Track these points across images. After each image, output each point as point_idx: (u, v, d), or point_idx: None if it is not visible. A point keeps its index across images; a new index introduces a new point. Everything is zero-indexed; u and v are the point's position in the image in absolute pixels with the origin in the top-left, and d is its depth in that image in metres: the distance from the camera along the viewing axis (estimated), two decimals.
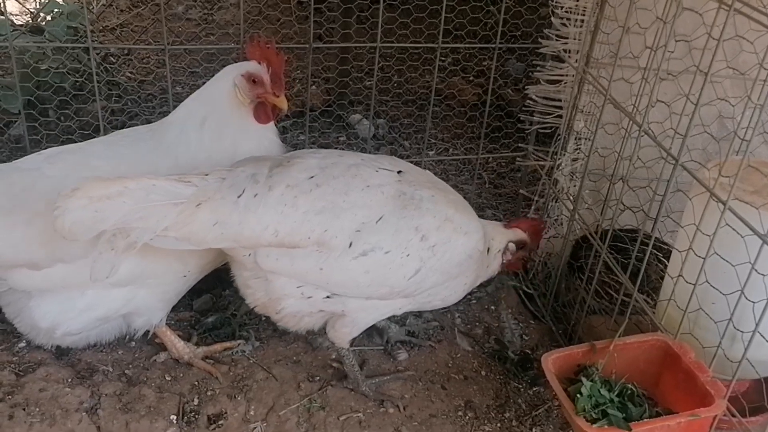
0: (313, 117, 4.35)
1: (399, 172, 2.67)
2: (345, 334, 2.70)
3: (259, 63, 2.73)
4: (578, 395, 2.44)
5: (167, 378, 2.86)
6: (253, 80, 2.73)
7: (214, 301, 3.28)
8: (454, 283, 2.75)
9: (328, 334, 2.74)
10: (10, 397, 2.65)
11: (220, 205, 2.40)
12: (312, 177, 2.52)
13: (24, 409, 2.62)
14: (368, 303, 2.63)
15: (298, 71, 4.63)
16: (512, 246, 2.94)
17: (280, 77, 2.75)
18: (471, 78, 4.74)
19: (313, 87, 4.70)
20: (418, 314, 3.27)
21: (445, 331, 3.27)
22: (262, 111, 2.81)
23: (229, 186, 2.44)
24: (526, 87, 3.42)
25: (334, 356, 3.05)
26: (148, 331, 2.89)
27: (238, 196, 2.43)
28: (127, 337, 2.95)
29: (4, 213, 2.45)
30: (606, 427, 2.35)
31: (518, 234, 2.97)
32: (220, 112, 2.75)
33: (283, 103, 2.76)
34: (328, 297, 2.57)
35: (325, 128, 4.43)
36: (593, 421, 2.39)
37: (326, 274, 2.49)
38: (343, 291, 2.56)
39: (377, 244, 2.51)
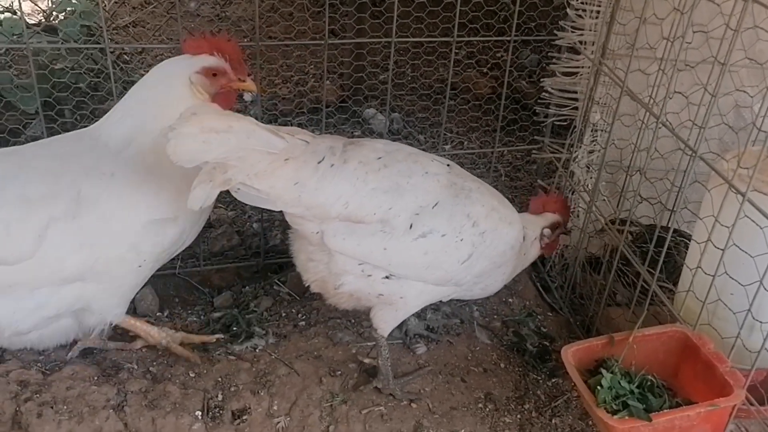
0: (328, 113, 4.38)
1: (448, 165, 2.80)
2: (390, 319, 2.78)
3: (212, 54, 2.66)
4: (599, 387, 2.47)
5: (191, 375, 2.90)
6: (213, 74, 2.68)
7: (235, 298, 3.32)
8: (496, 272, 2.87)
9: (372, 320, 2.80)
10: (38, 395, 2.69)
11: (303, 167, 2.49)
12: (380, 158, 2.64)
13: (52, 407, 2.67)
14: (422, 287, 2.73)
15: (312, 66, 4.65)
16: (547, 231, 3.04)
17: (241, 62, 2.70)
18: (485, 71, 4.74)
19: (328, 82, 4.71)
20: (436, 308, 3.29)
21: (464, 325, 3.29)
22: (224, 99, 2.73)
23: (312, 151, 2.53)
24: (540, 79, 3.41)
25: (354, 351, 3.08)
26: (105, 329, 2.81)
27: (318, 162, 2.52)
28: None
29: None
30: (627, 418, 2.37)
31: (549, 218, 3.06)
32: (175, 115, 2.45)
33: (252, 86, 2.72)
34: (386, 278, 2.66)
35: (340, 123, 4.45)
36: (614, 413, 2.41)
37: (389, 254, 2.59)
38: (403, 272, 2.66)
39: (434, 227, 2.63)
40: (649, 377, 2.55)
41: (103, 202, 2.55)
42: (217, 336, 3.02)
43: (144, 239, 2.63)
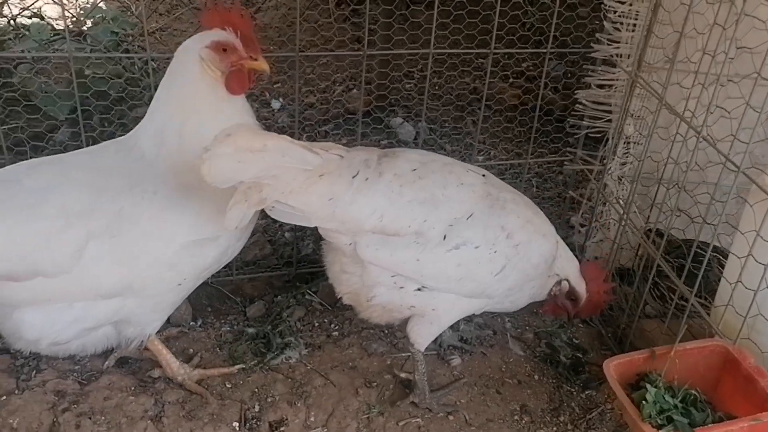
0: (354, 120, 4.38)
1: (483, 175, 2.78)
2: (426, 332, 2.76)
3: (223, 29, 2.52)
4: (643, 401, 2.47)
5: (227, 385, 2.89)
6: (222, 49, 2.52)
7: (267, 308, 3.30)
8: (527, 286, 2.83)
9: (408, 335, 2.77)
10: (75, 406, 2.69)
11: (337, 181, 2.47)
12: (414, 170, 2.62)
13: (90, 418, 2.66)
14: (455, 300, 2.71)
15: (338, 74, 4.64)
16: (565, 285, 2.91)
17: (253, 38, 2.54)
18: (511, 80, 4.74)
19: (354, 90, 4.71)
20: (469, 319, 3.29)
21: (497, 336, 3.29)
22: (236, 80, 2.57)
23: (347, 166, 2.52)
24: (566, 89, 3.41)
25: (389, 362, 3.07)
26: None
27: (353, 177, 2.51)
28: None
29: None
30: None
31: (580, 281, 2.92)
32: (193, 101, 2.54)
33: (264, 65, 2.57)
34: (418, 290, 2.64)
35: (368, 132, 4.44)
36: (658, 427, 2.42)
37: (422, 265, 2.57)
38: (435, 284, 2.64)
39: (468, 238, 2.60)
40: (692, 392, 2.56)
41: (144, 221, 2.50)
42: (238, 367, 2.95)
43: (184, 259, 2.59)
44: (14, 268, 2.42)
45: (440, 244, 2.58)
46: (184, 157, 2.52)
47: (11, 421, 2.57)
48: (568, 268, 2.92)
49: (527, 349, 3.25)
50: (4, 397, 2.64)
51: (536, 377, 3.11)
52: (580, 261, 2.99)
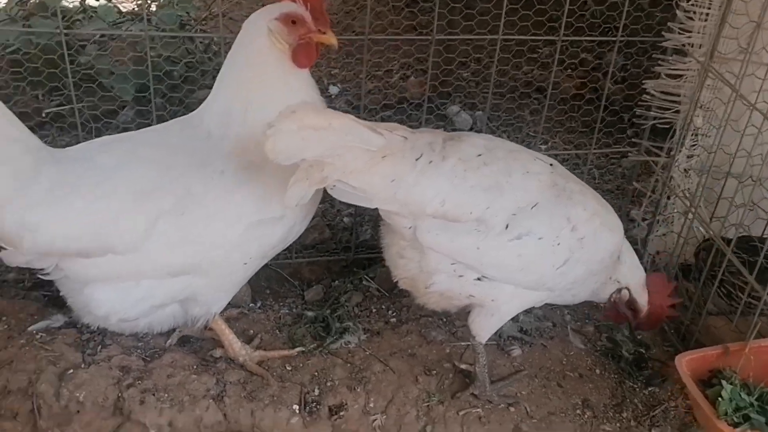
0: (410, 108, 4.35)
1: (551, 164, 2.71)
2: (487, 325, 2.72)
3: (293, 1, 2.49)
4: (719, 398, 2.41)
5: (287, 368, 2.89)
6: (291, 21, 2.49)
7: (325, 292, 3.29)
8: (590, 281, 2.76)
9: (470, 327, 2.74)
10: (139, 382, 2.71)
11: (400, 163, 2.44)
12: (480, 155, 2.57)
13: (154, 395, 2.68)
14: (514, 291, 2.65)
15: (395, 62, 4.61)
16: (625, 293, 2.83)
17: (323, 12, 2.52)
18: (569, 70, 4.66)
19: (411, 77, 4.68)
20: (528, 311, 3.24)
21: (557, 328, 3.23)
22: (304, 53, 2.54)
23: (411, 147, 2.48)
24: (624, 80, 3.33)
25: (448, 350, 3.04)
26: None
27: (416, 159, 2.47)
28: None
29: (57, 201, 2.42)
30: (749, 431, 2.31)
31: (642, 292, 2.84)
32: (260, 73, 2.52)
33: (332, 39, 2.54)
34: (478, 279, 2.59)
35: (425, 120, 4.40)
36: (735, 425, 2.36)
37: (482, 254, 2.53)
38: (495, 274, 2.59)
39: (531, 229, 2.54)
40: None
41: (211, 201, 2.51)
42: (298, 350, 2.95)
43: (250, 239, 2.59)
44: (85, 245, 2.45)
45: (502, 233, 2.53)
46: (250, 132, 2.52)
47: (78, 394, 2.61)
48: (631, 276, 2.84)
49: (588, 342, 3.19)
50: (71, 371, 2.67)
51: (598, 371, 3.05)
52: (645, 269, 2.91)
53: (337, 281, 3.34)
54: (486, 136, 2.80)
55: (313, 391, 2.81)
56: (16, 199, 2.37)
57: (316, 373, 2.87)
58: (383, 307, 3.26)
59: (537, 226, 2.56)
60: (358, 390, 2.82)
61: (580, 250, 2.62)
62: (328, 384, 2.84)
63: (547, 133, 4.41)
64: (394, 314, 3.22)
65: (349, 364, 2.93)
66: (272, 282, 3.30)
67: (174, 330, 2.90)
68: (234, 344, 2.86)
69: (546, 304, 2.97)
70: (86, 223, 2.42)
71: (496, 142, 2.73)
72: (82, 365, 2.71)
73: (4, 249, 2.46)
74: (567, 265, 2.62)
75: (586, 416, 2.84)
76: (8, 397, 2.58)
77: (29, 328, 2.83)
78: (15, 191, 2.37)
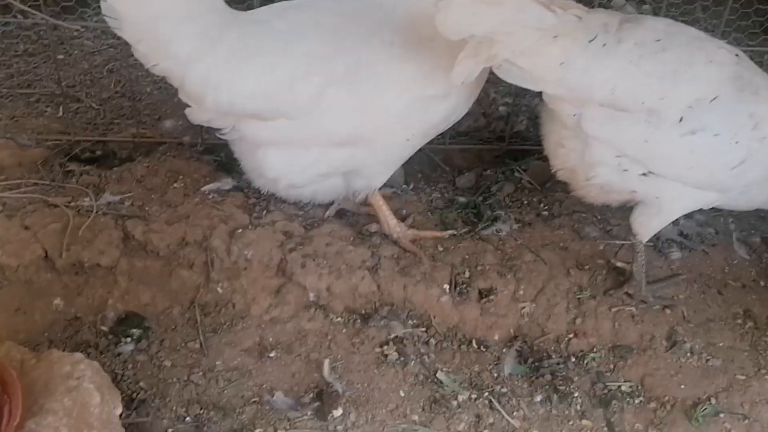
0: None
1: (737, 55, 2.48)
2: (650, 224, 2.62)
3: None
4: None
5: (439, 248, 2.93)
6: None
7: (476, 180, 3.27)
8: (765, 186, 2.57)
9: (632, 225, 2.66)
10: (301, 247, 2.82)
11: (571, 45, 2.34)
12: (659, 40, 2.41)
13: (314, 260, 2.79)
14: (682, 190, 2.52)
15: None
16: None
17: None
18: None
19: None
20: (690, 215, 3.09)
21: (719, 236, 3.08)
22: None
23: (584, 28, 2.37)
24: None
25: (602, 248, 2.97)
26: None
27: (589, 41, 2.36)
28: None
29: (238, 62, 2.47)
30: None
31: None
32: None
33: None
34: (643, 174, 2.48)
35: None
36: None
37: (650, 147, 2.41)
38: (662, 170, 2.47)
39: (708, 124, 2.38)
40: None
41: (380, 71, 2.53)
42: (450, 232, 2.97)
43: (413, 114, 2.59)
44: (260, 107, 2.53)
45: (674, 126, 2.38)
46: (422, 3, 2.47)
47: (246, 252, 2.76)
48: None
49: (753, 253, 3.02)
50: (240, 230, 2.82)
51: (762, 284, 2.91)
52: None
53: (488, 170, 3.30)
54: (667, 20, 2.60)
55: (464, 273, 2.84)
56: (201, 57, 2.45)
57: (467, 257, 2.89)
58: (535, 199, 3.20)
59: (714, 120, 2.38)
60: (508, 277, 2.82)
61: (760, 151, 2.44)
62: (479, 268, 2.86)
63: (718, 28, 4.06)
64: (546, 207, 3.16)
65: (499, 251, 2.93)
66: (424, 166, 3.30)
67: (332, 203, 2.99)
68: (390, 220, 2.92)
69: (712, 210, 2.82)
70: (263, 85, 2.50)
71: (678, 27, 2.53)
72: (249, 226, 2.85)
73: (189, 107, 2.58)
74: (744, 165, 2.44)
75: (747, 326, 2.74)
76: (186, 247, 2.77)
77: (203, 188, 2.99)
78: (200, 50, 2.44)
